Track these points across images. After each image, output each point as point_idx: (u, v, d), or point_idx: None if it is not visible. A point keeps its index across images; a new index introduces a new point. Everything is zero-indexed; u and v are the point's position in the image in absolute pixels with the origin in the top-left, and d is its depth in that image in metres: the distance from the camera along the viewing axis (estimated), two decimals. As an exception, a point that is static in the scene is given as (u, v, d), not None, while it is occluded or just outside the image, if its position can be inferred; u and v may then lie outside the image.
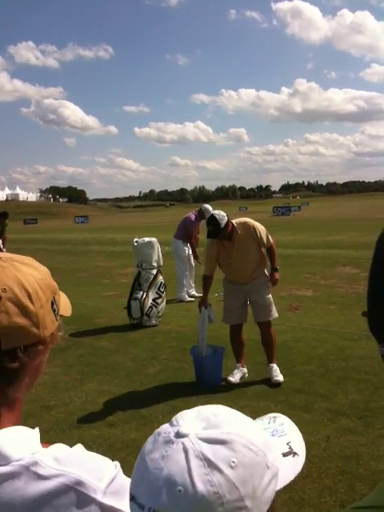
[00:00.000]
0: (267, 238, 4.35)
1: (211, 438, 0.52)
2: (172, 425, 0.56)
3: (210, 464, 0.50)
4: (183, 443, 0.52)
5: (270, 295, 4.48)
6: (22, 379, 0.75)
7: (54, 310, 0.79)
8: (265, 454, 0.55)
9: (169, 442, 0.53)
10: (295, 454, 0.60)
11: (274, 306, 4.47)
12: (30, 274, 0.76)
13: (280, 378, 4.30)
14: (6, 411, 0.74)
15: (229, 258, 4.33)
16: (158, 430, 0.56)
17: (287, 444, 0.61)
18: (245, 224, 4.32)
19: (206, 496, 0.49)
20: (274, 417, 0.67)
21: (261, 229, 4.33)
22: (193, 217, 8.22)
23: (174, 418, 0.57)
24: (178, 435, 0.53)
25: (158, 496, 0.50)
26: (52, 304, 0.79)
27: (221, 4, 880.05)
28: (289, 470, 0.58)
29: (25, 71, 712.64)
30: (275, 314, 4.49)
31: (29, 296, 0.73)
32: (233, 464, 0.51)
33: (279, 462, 0.58)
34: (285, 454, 0.60)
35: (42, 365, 0.81)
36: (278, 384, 4.25)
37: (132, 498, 0.54)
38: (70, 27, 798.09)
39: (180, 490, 0.49)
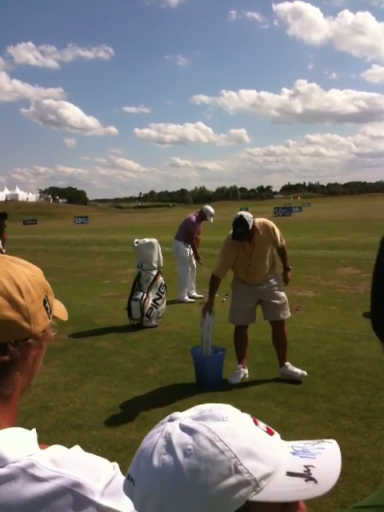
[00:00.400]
0: (281, 238, 4.43)
1: (185, 425, 0.56)
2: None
3: (169, 446, 0.54)
4: (166, 426, 0.57)
5: (284, 294, 4.50)
6: (13, 375, 0.75)
7: (47, 308, 0.80)
8: (236, 457, 0.54)
9: (162, 423, 0.59)
10: (312, 479, 0.57)
11: (287, 304, 4.49)
12: (21, 270, 0.77)
13: (304, 372, 4.37)
14: (1, 407, 0.73)
15: (249, 259, 4.32)
16: None
17: (305, 466, 0.58)
18: (264, 224, 4.34)
19: (156, 472, 0.53)
20: (321, 441, 0.65)
21: (277, 230, 4.40)
22: (193, 218, 8.21)
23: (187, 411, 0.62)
24: (170, 419, 0.58)
25: (132, 465, 0.57)
26: (44, 302, 0.79)
27: (221, 5, 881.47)
28: (290, 489, 0.56)
29: (24, 72, 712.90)
30: (289, 312, 4.52)
31: (19, 291, 0.74)
32: (188, 452, 0.53)
33: (275, 477, 0.55)
34: (291, 474, 0.57)
35: (36, 363, 0.80)
36: (299, 381, 4.29)
37: None
38: (70, 28, 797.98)
39: (142, 464, 0.55)
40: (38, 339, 0.77)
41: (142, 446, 0.58)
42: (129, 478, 0.57)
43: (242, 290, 4.49)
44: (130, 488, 0.57)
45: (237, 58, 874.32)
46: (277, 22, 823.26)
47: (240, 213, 4.29)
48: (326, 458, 0.61)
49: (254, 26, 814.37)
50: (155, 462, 0.54)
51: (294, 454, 0.59)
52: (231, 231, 4.26)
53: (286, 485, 0.56)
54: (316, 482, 0.57)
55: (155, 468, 0.53)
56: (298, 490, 0.56)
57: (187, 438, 0.55)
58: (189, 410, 0.60)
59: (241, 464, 0.53)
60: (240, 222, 4.15)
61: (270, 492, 0.54)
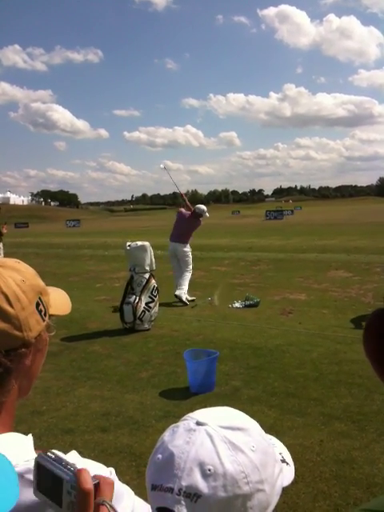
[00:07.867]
0: None
1: (230, 425, 0.59)
2: (186, 420, 0.61)
3: (235, 447, 0.56)
4: (206, 430, 0.57)
5: None
6: (7, 383, 0.74)
7: (40, 311, 0.77)
8: (273, 447, 0.63)
9: (191, 430, 0.58)
10: (287, 463, 0.67)
11: None
12: (8, 276, 0.74)
13: None
14: None
15: None
16: (174, 425, 0.61)
17: (279, 454, 0.68)
18: None
19: (234, 474, 0.54)
20: None
21: None
22: (187, 214, 8.35)
23: (185, 416, 0.63)
24: (199, 424, 0.58)
25: (189, 476, 0.54)
26: (37, 305, 0.77)
27: (208, 9, 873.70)
28: (286, 473, 0.65)
29: (12, 74, 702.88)
30: None
31: (7, 299, 0.71)
32: (253, 448, 0.57)
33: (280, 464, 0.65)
34: (281, 461, 0.66)
35: (35, 367, 0.79)
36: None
37: (154, 488, 0.57)
38: (57, 30, 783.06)
39: (210, 469, 0.54)
40: (31, 345, 0.75)
41: (189, 456, 0.55)
42: (185, 495, 0.53)
43: None
44: (191, 506, 0.53)
45: (225, 62, 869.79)
46: (264, 26, 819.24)
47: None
48: (280, 445, 0.72)
49: (242, 30, 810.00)
50: (228, 465, 0.55)
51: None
52: None
53: (285, 469, 0.66)
54: (289, 464, 0.68)
55: (231, 470, 0.55)
56: (288, 474, 0.67)
57: (244, 436, 0.58)
58: (195, 415, 0.62)
59: (275, 454, 0.64)
60: None
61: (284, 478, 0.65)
